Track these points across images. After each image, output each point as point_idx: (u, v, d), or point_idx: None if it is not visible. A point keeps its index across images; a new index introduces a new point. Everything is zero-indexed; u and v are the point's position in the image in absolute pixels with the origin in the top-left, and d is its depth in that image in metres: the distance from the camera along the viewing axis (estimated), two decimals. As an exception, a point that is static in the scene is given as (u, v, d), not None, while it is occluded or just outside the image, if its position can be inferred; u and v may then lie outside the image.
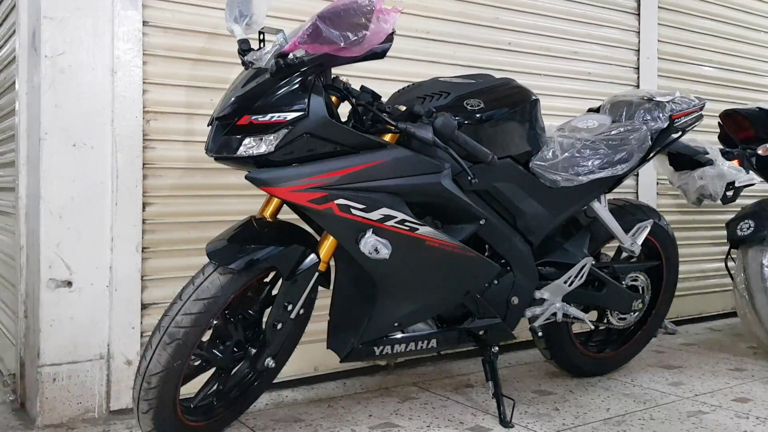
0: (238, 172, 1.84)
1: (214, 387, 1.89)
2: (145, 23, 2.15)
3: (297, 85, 1.68)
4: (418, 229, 1.83)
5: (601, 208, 2.33)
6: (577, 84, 3.14)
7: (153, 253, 2.19)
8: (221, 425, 1.93)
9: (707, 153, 2.66)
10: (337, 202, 1.71)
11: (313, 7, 2.24)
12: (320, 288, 1.89)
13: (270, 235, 1.79)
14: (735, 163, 2.75)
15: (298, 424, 2.07)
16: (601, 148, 2.20)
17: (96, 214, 2.08)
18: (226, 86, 1.89)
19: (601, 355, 2.60)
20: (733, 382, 2.55)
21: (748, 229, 2.77)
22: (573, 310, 2.28)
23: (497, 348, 2.14)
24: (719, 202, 2.69)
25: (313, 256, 1.80)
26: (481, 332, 2.10)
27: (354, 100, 1.77)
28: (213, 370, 1.89)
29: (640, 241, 2.38)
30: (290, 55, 1.65)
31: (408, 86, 2.08)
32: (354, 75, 2.18)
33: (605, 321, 2.51)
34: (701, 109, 2.46)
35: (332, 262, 1.88)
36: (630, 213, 2.48)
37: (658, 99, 2.39)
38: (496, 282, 2.08)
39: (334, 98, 1.80)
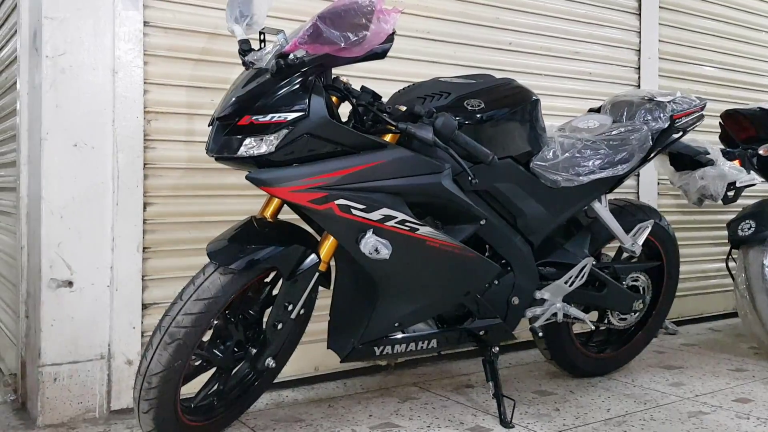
0: (238, 172, 1.84)
1: (215, 387, 1.89)
2: (146, 23, 2.15)
3: (297, 86, 1.68)
4: (418, 229, 1.83)
5: (601, 208, 2.33)
6: (578, 84, 3.14)
7: (154, 253, 2.20)
8: (222, 425, 1.93)
9: (708, 153, 2.66)
10: (337, 202, 1.71)
11: (313, 8, 2.24)
12: (321, 288, 1.89)
13: (270, 235, 1.80)
14: (736, 163, 2.75)
15: (299, 424, 2.08)
16: (602, 148, 2.20)
17: (97, 214, 2.08)
18: (226, 86, 1.89)
19: (601, 355, 2.60)
20: (734, 383, 2.55)
21: (749, 229, 2.76)
22: (573, 311, 2.27)
23: (497, 348, 2.14)
24: (720, 202, 2.69)
25: (313, 256, 1.80)
26: (481, 332, 2.10)
27: (354, 101, 1.77)
28: (213, 370, 1.89)
29: (640, 241, 2.38)
30: (291, 56, 1.65)
31: (408, 86, 2.08)
32: (354, 75, 2.19)
33: (606, 321, 2.51)
34: (702, 109, 2.46)
35: (333, 263, 1.88)
36: (631, 213, 2.48)
37: (659, 99, 2.39)
38: (496, 282, 2.08)
39: (334, 98, 1.80)
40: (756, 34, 3.87)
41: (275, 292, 1.88)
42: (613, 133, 2.27)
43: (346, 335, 1.92)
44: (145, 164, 2.16)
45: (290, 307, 1.80)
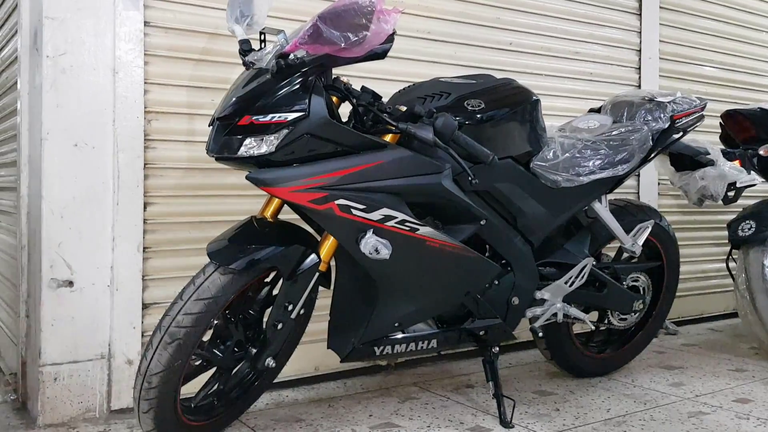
0: (238, 172, 1.84)
1: (215, 387, 1.89)
2: (146, 23, 2.15)
3: (298, 86, 1.68)
4: (418, 229, 1.83)
5: (602, 208, 2.33)
6: (579, 84, 3.14)
7: (154, 253, 2.20)
8: (222, 425, 1.94)
9: (708, 153, 2.66)
10: (337, 202, 1.71)
11: (313, 8, 2.24)
12: (321, 288, 1.89)
13: (271, 235, 1.80)
14: (736, 163, 2.75)
15: (299, 423, 2.08)
16: (602, 148, 2.20)
17: (97, 214, 2.08)
18: (227, 86, 1.89)
19: (601, 355, 2.60)
20: (734, 383, 2.55)
21: (749, 229, 2.76)
22: (574, 311, 2.27)
23: (497, 348, 2.14)
24: (720, 202, 2.69)
25: (313, 256, 1.80)
26: (481, 332, 2.10)
27: (355, 101, 1.77)
28: (213, 369, 1.89)
29: (641, 241, 2.38)
30: (291, 56, 1.65)
31: (409, 86, 2.08)
32: (355, 75, 2.19)
33: (606, 321, 2.51)
34: (702, 109, 2.46)
35: (333, 263, 1.88)
36: (631, 213, 2.48)
37: (659, 99, 2.39)
38: (496, 282, 2.08)
39: (334, 99, 1.80)
40: (756, 34, 3.87)
41: (275, 292, 1.88)
42: (614, 133, 2.27)
43: (346, 335, 1.92)
44: (145, 164, 2.16)
45: (290, 307, 1.80)
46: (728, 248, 2.90)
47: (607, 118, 2.42)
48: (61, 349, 2.05)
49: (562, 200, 2.18)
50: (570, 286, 2.21)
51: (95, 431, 2.02)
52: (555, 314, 2.23)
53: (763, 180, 2.89)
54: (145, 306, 2.17)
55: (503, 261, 2.10)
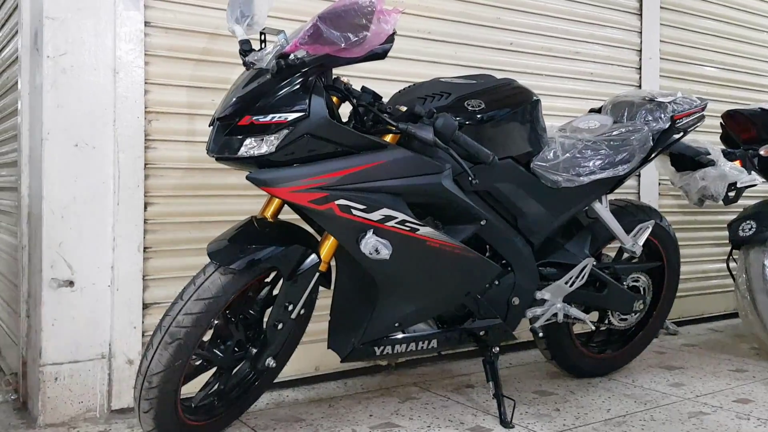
0: (239, 172, 1.84)
1: (215, 386, 1.89)
2: (146, 24, 2.15)
3: (298, 86, 1.68)
4: (418, 229, 1.83)
5: (602, 208, 2.33)
6: (579, 84, 3.14)
7: (154, 253, 2.20)
8: (222, 425, 1.94)
9: (709, 154, 2.65)
10: (337, 202, 1.71)
11: (314, 8, 2.24)
12: (321, 288, 1.89)
13: (271, 235, 1.80)
14: (737, 163, 2.74)
15: (299, 423, 2.08)
16: (603, 148, 2.20)
17: (98, 214, 2.08)
18: (227, 87, 1.89)
19: (602, 355, 2.60)
20: (735, 383, 2.55)
21: (749, 229, 2.76)
22: (574, 311, 2.27)
23: (498, 348, 2.14)
24: (721, 202, 2.69)
25: (313, 256, 1.80)
26: (481, 333, 2.10)
27: (355, 101, 1.77)
28: (214, 369, 1.89)
29: (641, 241, 2.38)
30: (291, 56, 1.66)
31: (409, 87, 2.08)
32: (355, 75, 2.19)
33: (606, 322, 2.51)
34: (703, 109, 2.46)
35: (333, 263, 1.88)
36: (631, 214, 2.48)
37: (659, 99, 2.39)
38: (497, 282, 2.08)
39: (335, 99, 1.80)
40: (757, 34, 3.87)
41: (276, 292, 1.88)
42: (614, 133, 2.27)
43: (346, 335, 1.92)
44: (145, 164, 2.16)
45: (290, 307, 1.81)
46: (729, 248, 2.90)
47: (608, 118, 2.42)
48: (61, 349, 2.05)
49: (562, 200, 2.18)
50: (570, 286, 2.21)
51: (96, 431, 2.02)
52: (555, 314, 2.23)
53: (764, 180, 2.89)
54: (145, 306, 2.17)
55: (503, 261, 2.10)
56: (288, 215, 1.86)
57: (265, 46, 1.80)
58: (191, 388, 1.86)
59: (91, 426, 2.05)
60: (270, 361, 1.84)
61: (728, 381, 2.58)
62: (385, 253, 1.76)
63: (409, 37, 2.62)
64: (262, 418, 2.12)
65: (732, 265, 2.92)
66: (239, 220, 1.86)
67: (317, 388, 2.44)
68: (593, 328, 2.44)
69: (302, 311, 1.84)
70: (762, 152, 2.89)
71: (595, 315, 2.50)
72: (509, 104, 2.02)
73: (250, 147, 1.67)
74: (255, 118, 1.66)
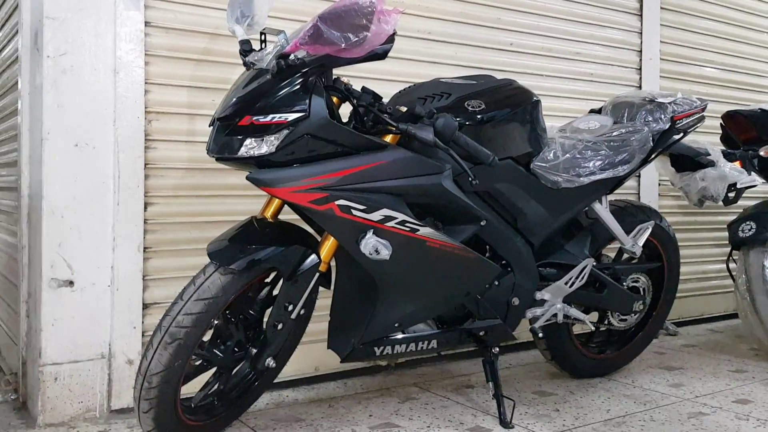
0: (239, 172, 1.84)
1: (215, 387, 1.89)
2: (147, 24, 2.15)
3: (298, 86, 1.68)
4: (418, 230, 1.83)
5: (602, 209, 2.33)
6: (579, 85, 3.14)
7: (154, 253, 2.20)
8: (222, 425, 1.94)
9: (709, 154, 2.66)
10: (337, 202, 1.71)
11: (314, 8, 2.24)
12: (321, 288, 1.89)
13: (271, 235, 1.80)
14: (737, 164, 2.74)
15: (299, 423, 2.08)
16: (603, 149, 2.20)
17: (98, 213, 2.08)
18: (227, 87, 1.89)
19: (601, 356, 2.60)
20: (734, 384, 2.55)
21: (749, 230, 2.76)
22: (574, 311, 2.28)
23: (498, 349, 2.14)
24: (721, 203, 2.69)
25: (313, 256, 1.80)
26: (481, 333, 2.10)
27: (355, 101, 1.77)
28: (214, 369, 1.89)
29: (641, 242, 2.38)
30: (291, 56, 1.66)
31: (409, 87, 2.08)
32: (355, 76, 2.19)
33: (606, 322, 2.51)
34: (703, 110, 2.46)
35: (333, 263, 1.88)
36: (631, 214, 2.48)
37: (659, 100, 2.39)
38: (496, 283, 2.08)
39: (335, 99, 1.80)
40: (757, 35, 3.87)
41: (276, 292, 1.88)
42: (614, 134, 2.27)
43: (346, 335, 1.92)
44: (146, 164, 2.16)
45: (290, 308, 1.81)
46: (728, 249, 2.90)
47: (608, 118, 2.42)
48: (61, 349, 2.05)
49: (562, 201, 2.18)
50: (570, 286, 2.21)
51: (95, 431, 2.02)
52: (555, 315, 2.23)
53: (764, 181, 2.89)
54: (145, 306, 2.17)
55: (503, 261, 2.10)
56: (288, 215, 1.86)
57: (265, 46, 1.80)
58: (191, 388, 1.86)
59: (91, 426, 2.05)
60: (270, 361, 1.84)
61: (728, 382, 2.58)
62: (385, 253, 1.76)
63: (409, 37, 2.62)
64: (262, 418, 2.12)
65: (732, 265, 2.92)
66: (239, 220, 1.86)
67: (317, 388, 2.44)
68: (593, 328, 2.44)
69: (302, 311, 1.84)
70: (762, 153, 2.89)
71: (594, 315, 2.51)
72: (509, 105, 2.02)
73: (250, 147, 1.67)
74: (255, 118, 1.66)
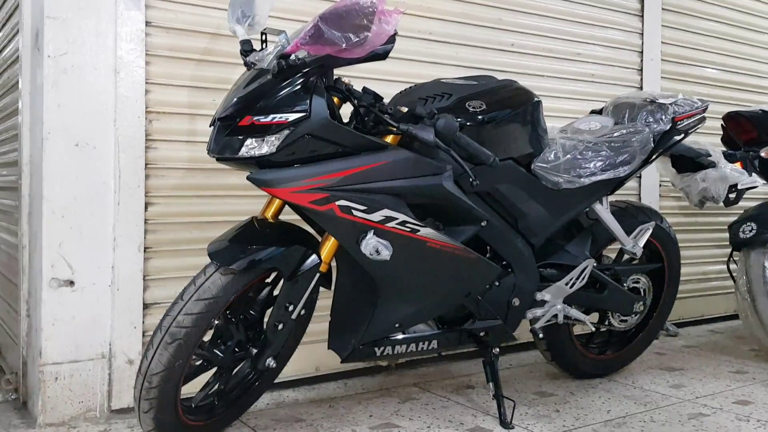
0: (240, 172, 1.84)
1: (215, 387, 1.89)
2: (148, 23, 2.15)
3: (299, 86, 1.68)
4: (419, 230, 1.83)
5: (603, 210, 2.33)
6: (580, 86, 3.14)
7: (155, 253, 2.20)
8: (222, 425, 1.94)
9: (710, 155, 2.66)
10: (338, 203, 1.71)
11: (315, 8, 2.24)
12: (321, 289, 1.89)
13: (271, 235, 1.80)
14: (738, 165, 2.75)
15: (299, 423, 2.08)
16: (604, 150, 2.20)
17: (98, 213, 2.08)
18: (228, 87, 1.89)
19: (602, 356, 2.60)
20: (735, 385, 2.55)
21: (750, 231, 2.76)
22: (574, 312, 2.27)
23: (498, 349, 2.14)
24: (721, 204, 2.69)
25: (314, 257, 1.80)
26: (481, 333, 2.10)
27: (356, 102, 1.77)
28: (214, 369, 1.89)
29: (641, 243, 2.38)
30: (292, 56, 1.66)
31: (410, 87, 2.08)
32: (356, 76, 2.19)
33: (606, 323, 2.51)
34: (704, 111, 2.46)
35: (333, 263, 1.88)
36: (632, 215, 2.48)
37: (660, 101, 2.39)
38: (497, 283, 2.08)
39: (336, 99, 1.80)
40: (759, 36, 3.87)
41: (276, 292, 1.88)
42: (615, 134, 2.27)
43: (346, 336, 1.92)
44: (146, 164, 2.16)
45: (291, 308, 1.81)
46: (729, 250, 2.90)
47: (609, 119, 2.42)
48: (61, 349, 2.05)
49: (563, 202, 2.18)
50: (570, 287, 2.21)
51: (96, 431, 2.02)
52: (555, 315, 2.23)
53: (765, 182, 2.89)
54: (145, 306, 2.17)
55: (504, 262, 2.10)
56: (289, 216, 1.86)
57: (266, 46, 1.80)
58: (191, 388, 1.86)
59: (91, 426, 2.05)
60: (270, 362, 1.84)
61: (728, 382, 2.58)
62: (386, 254, 1.76)
63: (410, 37, 2.62)
64: (263, 418, 2.12)
65: (732, 266, 2.92)
66: (240, 220, 1.86)
67: (317, 388, 2.44)
68: (593, 329, 2.44)
69: (303, 312, 1.84)
70: (763, 154, 2.89)
71: (595, 316, 2.50)
72: (510, 105, 2.02)
73: (251, 147, 1.67)
74: (256, 118, 1.66)
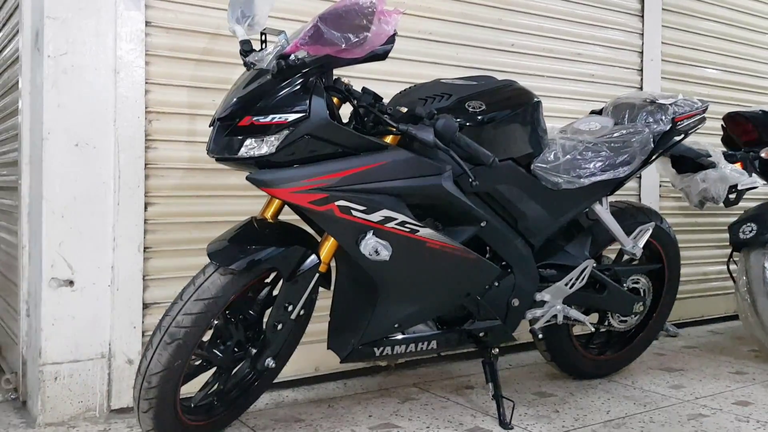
0: (239, 172, 1.84)
1: (215, 387, 1.89)
2: (147, 23, 2.15)
3: (298, 87, 1.68)
4: (418, 230, 1.83)
5: (602, 210, 2.33)
6: (580, 86, 3.14)
7: (155, 253, 2.20)
8: (221, 425, 1.94)
9: (710, 156, 2.66)
10: (337, 203, 1.71)
11: (314, 8, 2.24)
12: (321, 289, 1.89)
13: (271, 236, 1.80)
14: (738, 165, 2.75)
15: (299, 424, 2.08)
16: (603, 150, 2.20)
17: (98, 213, 2.08)
18: (228, 87, 1.89)
19: (601, 357, 2.60)
20: (734, 386, 2.54)
21: (750, 232, 2.76)
22: (574, 313, 2.27)
23: (497, 350, 2.14)
24: (722, 205, 2.69)
25: (313, 257, 1.80)
26: (481, 334, 2.10)
27: (355, 102, 1.77)
28: (213, 369, 1.89)
29: (641, 243, 2.38)
30: (292, 57, 1.66)
31: (410, 88, 2.08)
32: (356, 76, 2.19)
33: (606, 323, 2.50)
34: (704, 111, 2.46)
35: (333, 263, 1.88)
36: (632, 215, 2.47)
37: (660, 101, 2.39)
38: (496, 284, 2.08)
39: (335, 100, 1.80)
40: (759, 36, 3.87)
41: (276, 292, 1.88)
42: (615, 135, 2.27)
43: (346, 336, 1.92)
44: (146, 164, 2.16)
45: (290, 308, 1.81)
46: (729, 251, 2.90)
47: (609, 120, 2.42)
48: (61, 349, 2.05)
49: (562, 202, 2.17)
50: (570, 287, 2.21)
51: (95, 430, 2.02)
52: (555, 316, 2.23)
53: (765, 182, 2.89)
54: (145, 306, 2.18)
55: (503, 263, 2.10)
56: (288, 216, 1.86)
57: (265, 46, 1.80)
58: (191, 388, 1.86)
59: (91, 425, 2.05)
60: (270, 362, 1.84)
61: (728, 383, 2.58)
62: (385, 254, 1.76)
63: (410, 38, 2.62)
64: (262, 419, 2.12)
65: (732, 267, 2.92)
66: (239, 220, 1.86)
67: (317, 388, 2.44)
68: (593, 329, 2.44)
69: (302, 312, 1.84)
70: (763, 154, 2.89)
71: (594, 317, 2.50)
72: (510, 106, 2.02)
73: (251, 147, 1.67)
74: (255, 118, 1.66)
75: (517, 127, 2.05)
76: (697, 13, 3.58)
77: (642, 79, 3.35)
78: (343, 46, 1.61)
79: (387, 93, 2.00)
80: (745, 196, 2.76)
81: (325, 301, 1.94)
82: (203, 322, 1.70)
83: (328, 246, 1.82)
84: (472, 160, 1.81)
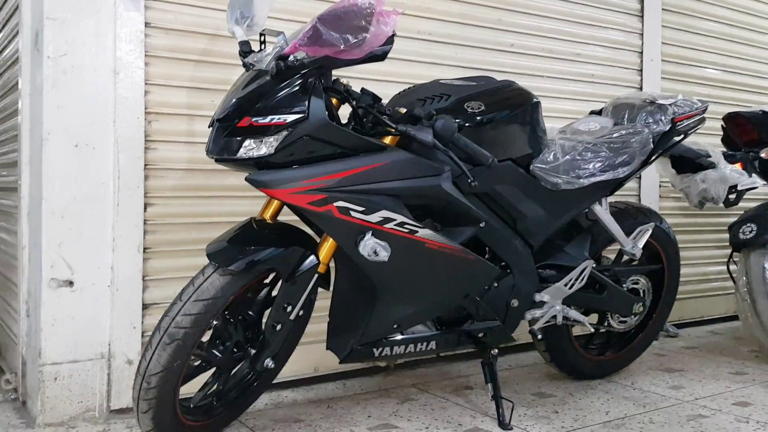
0: (238, 173, 1.84)
1: (214, 387, 1.89)
2: (147, 24, 2.16)
3: (297, 87, 1.68)
4: (417, 231, 1.83)
5: (602, 210, 2.33)
6: (580, 86, 3.14)
7: (154, 254, 2.20)
8: (221, 425, 1.94)
9: (710, 156, 2.65)
10: (336, 204, 1.71)
11: (314, 9, 2.24)
12: (320, 289, 1.89)
13: (270, 236, 1.80)
14: (738, 166, 2.74)
15: (298, 424, 2.08)
16: (603, 150, 2.20)
17: (98, 214, 2.09)
18: (227, 88, 1.90)
19: (601, 357, 2.60)
20: (734, 386, 2.54)
21: (750, 232, 2.76)
22: (573, 313, 2.27)
23: (497, 350, 2.14)
24: (721, 205, 2.68)
25: (312, 257, 1.80)
26: (480, 334, 2.10)
27: (354, 103, 1.78)
28: (213, 370, 1.90)
29: (641, 244, 2.38)
30: (291, 57, 1.66)
31: (409, 88, 2.08)
32: (355, 77, 2.19)
33: (606, 324, 2.50)
34: (704, 112, 2.46)
35: (332, 264, 1.89)
36: (631, 216, 2.47)
37: (660, 102, 2.39)
38: (495, 284, 2.08)
39: (334, 100, 1.80)
40: (759, 36, 3.87)
41: (275, 293, 1.88)
42: (614, 135, 2.27)
43: (345, 336, 1.92)
44: (145, 165, 2.16)
45: (289, 309, 1.81)
46: (729, 251, 2.90)
47: (608, 120, 2.42)
48: (61, 349, 2.05)
49: (562, 203, 2.17)
50: (570, 288, 2.21)
51: (95, 431, 2.02)
52: (554, 316, 2.23)
53: (765, 183, 2.88)
54: (145, 306, 2.18)
55: (502, 263, 2.10)
56: (287, 216, 1.86)
57: (264, 47, 1.80)
58: (190, 389, 1.86)
59: (90, 426, 2.06)
60: (269, 362, 1.84)
61: (728, 384, 2.58)
62: (384, 255, 1.76)
63: (409, 38, 2.62)
64: (261, 419, 2.12)
65: (732, 267, 2.92)
66: (238, 221, 1.86)
67: (316, 388, 2.44)
68: (592, 330, 2.44)
69: (301, 312, 1.84)
70: (763, 155, 2.88)
71: (594, 317, 2.50)
72: (509, 106, 2.02)
73: (249, 148, 1.67)
74: (254, 119, 1.67)
75: (517, 128, 2.05)
76: (697, 13, 3.58)
77: (642, 80, 3.35)
78: (342, 47, 1.61)
79: (386, 94, 2.00)
80: (745, 197, 2.75)
81: (324, 301, 1.94)
82: (202, 323, 1.70)
83: (327, 247, 1.82)
84: (471, 160, 1.81)
